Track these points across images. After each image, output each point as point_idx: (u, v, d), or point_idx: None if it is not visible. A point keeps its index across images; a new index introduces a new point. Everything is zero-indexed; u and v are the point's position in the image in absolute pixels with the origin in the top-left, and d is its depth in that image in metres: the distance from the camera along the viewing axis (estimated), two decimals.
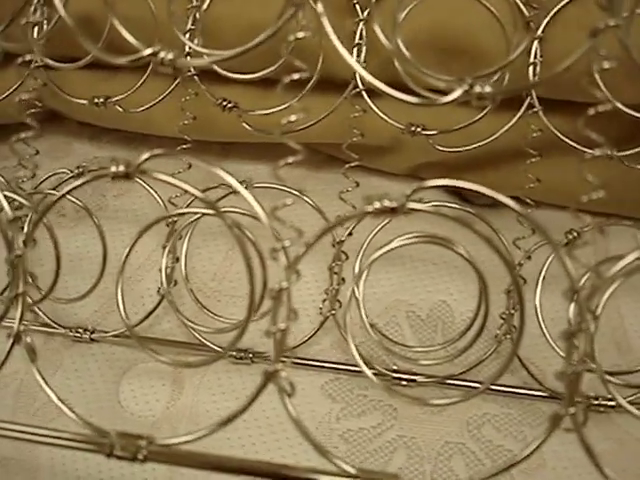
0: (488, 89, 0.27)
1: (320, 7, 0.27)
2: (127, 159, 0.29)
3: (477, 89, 0.27)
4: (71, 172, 0.46)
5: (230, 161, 0.52)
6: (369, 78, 0.29)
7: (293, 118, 0.29)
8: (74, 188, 0.29)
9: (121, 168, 0.28)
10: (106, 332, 0.46)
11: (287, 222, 0.28)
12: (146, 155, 0.28)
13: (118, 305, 0.40)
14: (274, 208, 0.28)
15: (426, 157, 0.48)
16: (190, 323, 0.43)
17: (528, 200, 0.43)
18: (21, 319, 0.30)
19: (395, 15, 0.37)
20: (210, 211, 0.32)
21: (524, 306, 0.29)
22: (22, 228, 0.39)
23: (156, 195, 0.46)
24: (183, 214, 0.43)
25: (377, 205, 0.27)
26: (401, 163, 0.50)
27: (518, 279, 0.30)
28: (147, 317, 0.45)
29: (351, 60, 0.30)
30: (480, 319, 0.35)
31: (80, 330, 0.45)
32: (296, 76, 0.28)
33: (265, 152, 0.51)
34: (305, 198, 0.44)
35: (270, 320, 0.28)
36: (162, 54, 0.28)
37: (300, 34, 0.27)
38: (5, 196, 0.32)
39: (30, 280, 0.30)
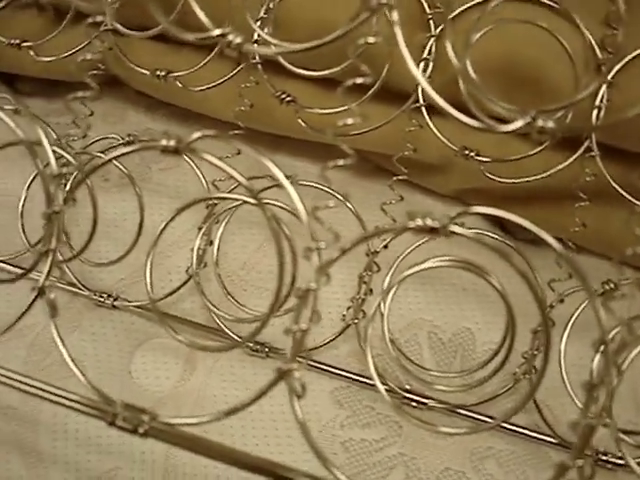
0: (550, 124, 0.27)
1: (395, 15, 0.27)
2: (179, 135, 0.29)
3: (539, 123, 0.27)
4: (122, 139, 0.46)
5: (280, 154, 0.52)
6: (433, 95, 0.29)
7: (350, 121, 0.29)
8: (122, 155, 0.29)
9: (172, 143, 0.28)
10: (129, 301, 0.46)
11: (326, 224, 0.28)
12: (198, 134, 0.28)
13: (145, 278, 0.40)
14: (315, 208, 0.28)
15: (474, 182, 0.48)
16: (213, 308, 0.43)
17: (570, 243, 0.43)
18: (48, 274, 0.30)
19: (468, 36, 0.36)
20: (252, 200, 0.32)
21: (549, 350, 0.28)
22: (64, 185, 0.39)
23: (201, 175, 0.46)
24: (224, 199, 0.43)
25: (419, 222, 0.27)
26: (448, 184, 0.50)
27: (548, 321, 0.29)
28: (171, 294, 0.45)
29: (418, 74, 0.29)
30: (502, 354, 0.35)
31: (104, 295, 0.46)
32: (360, 80, 0.28)
33: (315, 151, 0.51)
34: (347, 203, 0.44)
35: (292, 318, 0.28)
36: (231, 37, 0.28)
37: (371, 39, 0.27)
38: (53, 151, 0.32)
39: (64, 238, 0.29)
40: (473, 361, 0.44)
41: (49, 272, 0.29)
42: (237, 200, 0.41)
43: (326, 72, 0.39)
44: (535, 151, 0.41)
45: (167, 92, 0.51)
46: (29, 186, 0.47)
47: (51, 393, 0.30)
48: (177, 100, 0.51)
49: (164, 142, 0.28)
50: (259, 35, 0.42)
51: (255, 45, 0.40)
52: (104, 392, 0.29)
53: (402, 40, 0.27)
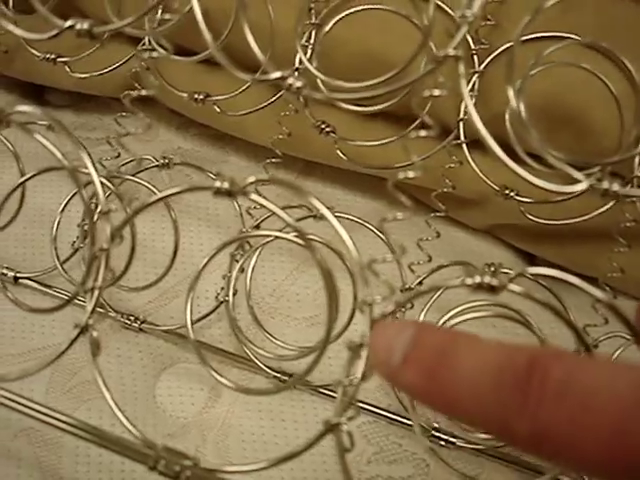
0: (616, 187, 0.26)
1: (462, 68, 0.26)
2: (232, 177, 0.28)
3: (605, 185, 0.26)
4: (156, 160, 0.45)
5: (312, 180, 0.52)
6: (492, 144, 0.28)
7: (411, 175, 0.28)
8: (172, 195, 0.29)
9: (225, 185, 0.28)
10: (157, 325, 0.45)
11: (381, 276, 0.27)
12: (252, 178, 0.28)
13: (186, 314, 0.39)
14: (372, 261, 0.27)
15: (510, 219, 0.47)
16: (251, 345, 0.43)
17: (605, 286, 0.42)
18: (92, 312, 0.29)
19: (524, 75, 0.36)
20: (298, 240, 0.31)
21: None
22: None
23: (235, 203, 0.46)
24: (266, 236, 0.42)
25: (477, 279, 0.26)
26: (483, 220, 0.49)
27: None
28: (201, 319, 0.45)
29: (474, 113, 0.29)
30: None
31: (131, 317, 0.45)
32: (423, 133, 0.27)
33: (346, 177, 0.51)
34: (382, 235, 0.43)
35: (344, 369, 0.27)
36: (291, 80, 0.28)
37: (436, 92, 0.27)
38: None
39: (109, 276, 0.29)
40: None
41: (93, 310, 0.29)
42: (281, 238, 0.39)
43: (376, 108, 0.39)
44: (577, 194, 0.41)
45: (201, 112, 0.50)
46: (65, 205, 0.47)
47: (89, 432, 0.29)
48: (211, 121, 0.50)
49: (218, 184, 0.28)
50: (301, 63, 0.41)
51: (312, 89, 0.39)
52: (146, 436, 0.29)
53: (467, 92, 0.27)
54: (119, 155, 0.46)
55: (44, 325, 0.46)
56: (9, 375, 0.32)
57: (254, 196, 0.28)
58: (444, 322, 0.38)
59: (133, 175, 0.45)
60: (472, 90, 0.42)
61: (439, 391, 0.24)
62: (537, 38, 0.42)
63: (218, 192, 0.28)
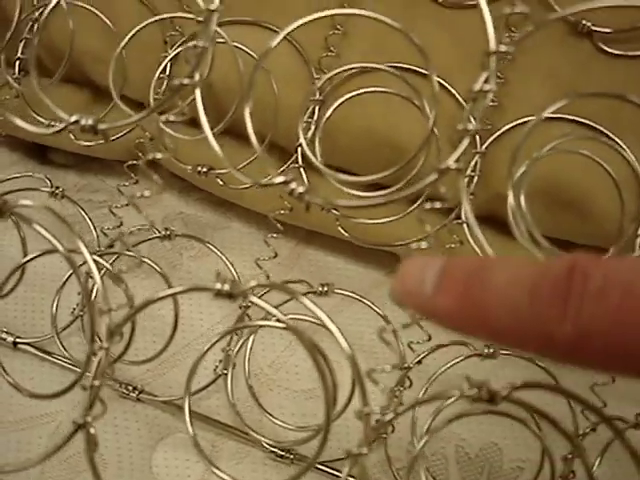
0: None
1: (463, 183, 0.27)
2: (233, 279, 0.28)
3: None
4: (158, 231, 0.46)
5: (313, 248, 0.52)
6: (478, 233, 0.28)
7: (424, 245, 0.28)
8: (174, 294, 0.29)
9: (226, 287, 0.28)
10: (154, 395, 0.45)
11: (380, 385, 0.27)
12: (253, 283, 0.28)
13: (185, 402, 0.39)
14: (371, 370, 0.27)
15: None
16: (253, 433, 0.43)
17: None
18: (90, 409, 0.29)
19: (527, 165, 0.36)
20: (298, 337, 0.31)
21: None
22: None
23: (232, 269, 0.46)
24: (266, 327, 0.41)
25: (475, 392, 0.26)
26: None
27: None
28: (200, 391, 0.45)
29: (465, 202, 0.29)
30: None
31: (129, 387, 0.45)
32: (438, 204, 0.27)
33: (349, 246, 0.50)
34: (386, 327, 0.43)
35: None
36: (293, 185, 0.28)
37: (437, 204, 0.27)
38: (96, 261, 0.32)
39: (108, 374, 0.29)
40: (499, 478, 0.44)
41: (91, 407, 0.29)
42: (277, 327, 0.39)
43: (387, 192, 0.39)
44: None
45: (204, 180, 0.51)
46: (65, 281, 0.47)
47: None
48: (214, 189, 0.50)
49: (218, 286, 0.28)
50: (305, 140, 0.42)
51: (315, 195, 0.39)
52: None
53: (468, 204, 0.27)
54: (121, 224, 0.46)
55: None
56: (4, 467, 0.32)
57: (253, 298, 0.28)
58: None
59: (135, 245, 0.45)
60: (474, 170, 0.42)
61: (474, 313, 0.23)
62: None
63: (219, 294, 0.28)
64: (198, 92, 0.29)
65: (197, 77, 0.29)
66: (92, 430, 0.29)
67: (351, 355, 0.28)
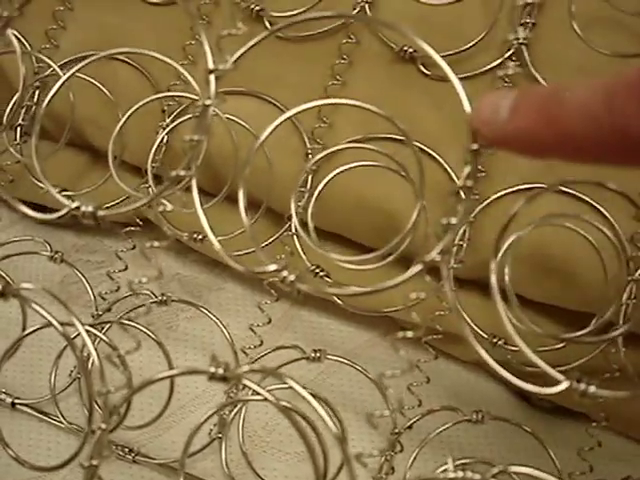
0: (593, 389, 0.27)
1: (445, 272, 0.28)
2: (226, 362, 0.29)
3: (582, 387, 0.27)
4: (155, 296, 0.47)
5: (306, 309, 0.53)
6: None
7: (417, 295, 0.29)
8: (171, 376, 0.30)
9: (220, 371, 0.29)
10: (150, 457, 0.46)
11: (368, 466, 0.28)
12: (246, 368, 0.29)
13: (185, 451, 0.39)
14: (359, 455, 0.28)
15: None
16: None
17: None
18: None
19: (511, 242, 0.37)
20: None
21: None
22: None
23: (228, 335, 0.47)
24: (254, 400, 0.42)
25: (460, 475, 0.27)
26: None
27: None
28: (195, 454, 0.46)
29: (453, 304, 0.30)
30: None
31: (126, 449, 0.46)
32: (410, 334, 0.29)
33: (342, 308, 0.52)
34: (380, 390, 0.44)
35: None
36: (285, 273, 0.29)
37: (422, 294, 0.28)
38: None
39: (106, 453, 0.30)
40: None
41: None
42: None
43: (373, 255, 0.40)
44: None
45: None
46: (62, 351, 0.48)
47: None
48: (209, 252, 0.52)
49: (212, 370, 0.29)
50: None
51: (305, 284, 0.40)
52: None
53: (451, 293, 0.28)
54: (119, 289, 0.47)
55: (40, 454, 0.47)
56: None
57: (246, 382, 0.29)
58: None
59: (131, 310, 0.46)
60: (462, 239, 0.44)
61: (553, 126, 0.25)
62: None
63: (213, 377, 0.29)
64: (194, 182, 0.31)
65: (194, 169, 0.30)
66: None
67: (339, 435, 0.29)
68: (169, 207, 0.41)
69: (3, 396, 0.48)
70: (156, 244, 0.36)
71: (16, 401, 0.48)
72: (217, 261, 0.53)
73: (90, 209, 0.31)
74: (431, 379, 0.46)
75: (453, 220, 0.28)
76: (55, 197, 0.33)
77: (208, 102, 0.30)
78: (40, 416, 0.48)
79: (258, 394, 0.30)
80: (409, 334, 0.29)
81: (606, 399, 0.27)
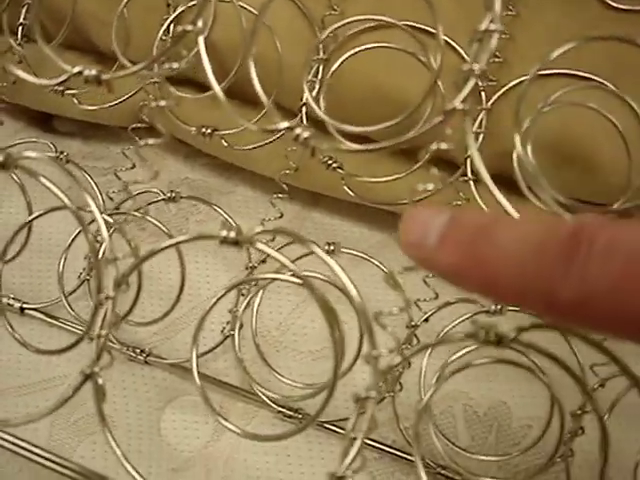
0: None
1: (469, 124, 0.26)
2: (239, 227, 0.28)
3: None
4: (163, 194, 0.45)
5: (318, 211, 0.51)
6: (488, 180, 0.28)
7: (431, 186, 0.28)
8: (179, 243, 0.29)
9: (232, 234, 0.28)
10: (162, 358, 0.45)
11: (388, 329, 0.27)
12: (259, 229, 0.28)
13: (192, 356, 0.39)
14: (378, 313, 0.27)
15: None
16: (256, 382, 0.43)
17: None
18: (98, 360, 0.29)
19: (533, 117, 0.36)
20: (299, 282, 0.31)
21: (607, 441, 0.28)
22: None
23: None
24: (274, 279, 0.41)
25: (483, 335, 0.26)
26: None
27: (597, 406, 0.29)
28: (207, 353, 0.45)
29: (475, 152, 0.28)
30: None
31: (137, 350, 0.45)
32: (444, 146, 0.27)
33: (355, 209, 0.50)
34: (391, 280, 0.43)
35: (350, 424, 0.27)
36: (298, 130, 0.28)
37: (444, 145, 0.27)
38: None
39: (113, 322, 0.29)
40: (509, 436, 0.44)
41: (98, 358, 0.29)
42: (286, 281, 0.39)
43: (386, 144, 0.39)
44: None
45: (208, 144, 0.50)
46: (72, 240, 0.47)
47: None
48: (218, 153, 0.50)
49: (224, 233, 0.28)
50: (310, 98, 0.41)
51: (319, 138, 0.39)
52: None
53: (474, 145, 0.27)
54: (127, 187, 0.46)
55: (50, 357, 0.46)
56: (12, 420, 0.32)
57: (260, 245, 0.28)
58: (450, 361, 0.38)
59: (139, 209, 0.45)
60: (480, 127, 0.42)
61: (478, 268, 0.23)
62: (546, 75, 0.41)
63: (225, 241, 0.28)
64: (201, 40, 0.29)
65: (200, 24, 0.28)
66: (100, 380, 0.29)
67: (360, 303, 0.27)
68: (162, 102, 0.39)
69: (12, 301, 0.47)
70: (150, 141, 0.34)
71: (25, 306, 0.47)
72: (227, 165, 0.51)
73: (94, 72, 0.30)
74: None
75: (476, 66, 0.26)
76: (58, 68, 0.31)
77: None
78: (50, 320, 0.47)
79: (272, 258, 0.28)
80: (443, 145, 0.27)
81: None
